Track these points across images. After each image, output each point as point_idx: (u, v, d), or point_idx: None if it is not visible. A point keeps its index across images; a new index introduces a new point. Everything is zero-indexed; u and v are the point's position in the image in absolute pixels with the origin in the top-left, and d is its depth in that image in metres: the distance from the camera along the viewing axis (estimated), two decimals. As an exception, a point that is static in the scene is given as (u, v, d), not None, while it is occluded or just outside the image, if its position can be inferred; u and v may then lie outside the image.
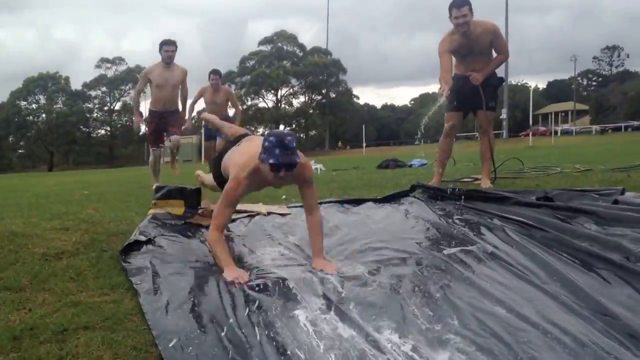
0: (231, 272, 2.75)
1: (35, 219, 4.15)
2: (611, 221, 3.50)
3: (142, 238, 3.41)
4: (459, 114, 5.72)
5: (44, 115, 66.74)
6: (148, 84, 7.38)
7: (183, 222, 3.99)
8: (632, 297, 2.42)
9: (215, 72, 8.97)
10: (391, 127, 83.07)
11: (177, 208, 4.13)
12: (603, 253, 2.86)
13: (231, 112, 9.54)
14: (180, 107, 7.71)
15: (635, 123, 54.57)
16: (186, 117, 7.93)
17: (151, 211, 4.08)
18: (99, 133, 72.28)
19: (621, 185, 4.70)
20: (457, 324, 2.17)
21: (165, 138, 7.53)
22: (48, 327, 2.26)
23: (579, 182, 5.36)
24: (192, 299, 2.50)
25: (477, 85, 5.42)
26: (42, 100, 67.04)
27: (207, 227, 3.83)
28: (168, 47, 7.18)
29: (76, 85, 69.75)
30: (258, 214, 4.27)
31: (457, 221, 3.82)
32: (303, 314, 2.31)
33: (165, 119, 7.43)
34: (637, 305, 2.33)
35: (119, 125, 72.07)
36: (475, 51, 5.48)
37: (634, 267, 2.65)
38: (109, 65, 70.74)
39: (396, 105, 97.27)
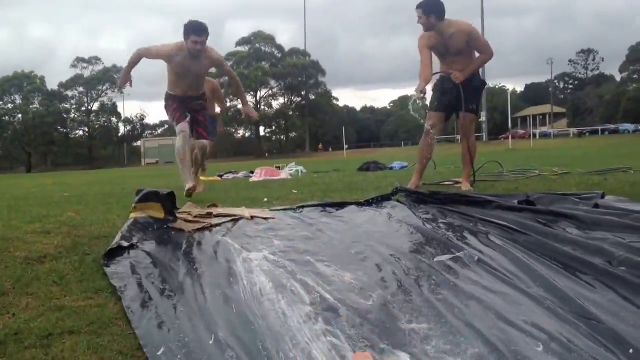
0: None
1: (16, 222, 4.10)
2: (592, 225, 3.54)
3: (125, 243, 3.38)
4: (441, 114, 5.77)
5: (20, 115, 66.03)
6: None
7: (166, 226, 3.97)
8: (615, 301, 2.45)
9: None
10: (371, 129, 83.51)
11: (157, 212, 4.11)
12: (585, 257, 2.88)
13: (217, 109, 9.19)
14: (205, 91, 6.30)
15: (612, 126, 55.47)
16: (249, 109, 6.41)
17: (132, 215, 4.05)
18: (77, 134, 71.75)
19: (598, 188, 4.77)
20: (443, 329, 2.18)
21: (191, 136, 6.01)
22: (33, 332, 2.23)
23: (557, 185, 5.43)
24: (178, 306, 2.48)
25: (459, 86, 5.47)
26: (18, 100, 66.33)
27: (190, 232, 3.84)
28: (196, 37, 5.42)
29: (52, 85, 69.36)
30: (242, 218, 4.26)
31: (441, 225, 3.84)
32: (292, 324, 2.30)
33: (192, 104, 6.02)
34: (620, 309, 2.35)
35: (97, 126, 71.51)
36: (451, 51, 5.55)
37: (616, 272, 2.68)
38: (85, 65, 70.36)
39: (376, 107, 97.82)
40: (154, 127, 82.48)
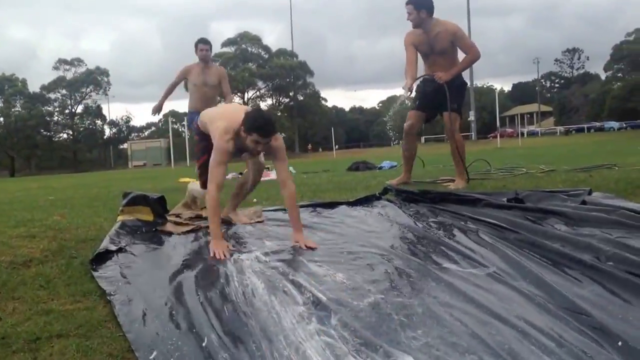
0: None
1: (0, 227, 4.06)
2: (580, 222, 3.58)
3: (113, 247, 3.36)
4: (420, 114, 5.82)
5: (1, 119, 65.28)
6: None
7: (154, 229, 3.94)
8: (603, 295, 2.47)
9: (204, 42, 7.29)
10: (360, 129, 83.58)
11: (146, 215, 4.07)
12: (574, 253, 2.91)
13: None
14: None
15: (597, 124, 56.03)
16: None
17: (120, 218, 4.02)
18: (61, 137, 70.94)
19: (584, 185, 4.81)
20: (437, 327, 2.17)
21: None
22: (20, 336, 2.20)
23: (544, 182, 5.45)
24: (169, 309, 2.46)
25: (441, 87, 5.49)
26: (0, 104, 65.58)
27: (179, 235, 3.81)
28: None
29: (34, 87, 68.38)
30: (231, 221, 4.23)
31: (431, 224, 3.85)
32: (285, 324, 2.28)
33: None
34: (608, 303, 2.37)
35: (81, 129, 70.86)
36: (435, 50, 5.58)
37: (604, 267, 2.71)
38: (67, 66, 69.48)
39: (364, 107, 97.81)
40: (141, 130, 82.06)
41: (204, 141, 4.10)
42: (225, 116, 3.75)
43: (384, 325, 2.22)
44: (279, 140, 3.68)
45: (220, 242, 3.31)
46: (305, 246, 3.35)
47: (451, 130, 5.70)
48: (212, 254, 3.17)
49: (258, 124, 3.49)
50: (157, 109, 7.59)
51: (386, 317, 2.29)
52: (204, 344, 2.10)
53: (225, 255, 3.10)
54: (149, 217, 4.05)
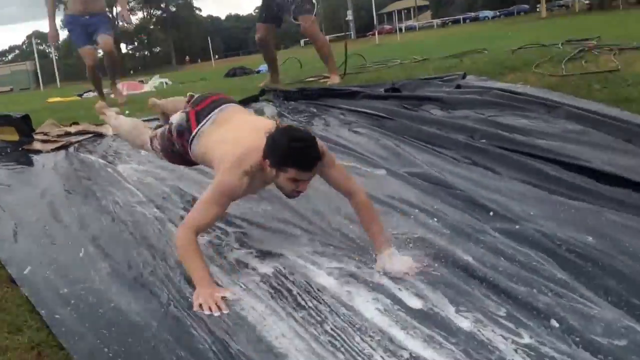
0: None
1: None
2: (455, 105, 3.68)
3: (-24, 170, 3.13)
4: (268, 26, 5.70)
5: None
6: None
7: (21, 149, 3.71)
8: (476, 171, 2.61)
9: None
10: (239, 37, 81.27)
11: (10, 135, 3.82)
12: (449, 135, 3.02)
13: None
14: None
15: (472, 15, 57.73)
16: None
17: (-19, 140, 3.74)
18: None
19: (455, 70, 4.94)
20: (319, 221, 2.23)
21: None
22: None
23: (417, 71, 5.56)
24: (43, 226, 2.36)
25: None
26: None
27: (48, 152, 3.60)
28: None
29: None
30: (104, 134, 4.02)
31: (309, 119, 3.84)
32: (170, 229, 2.24)
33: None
34: (482, 177, 2.52)
35: None
36: None
37: (476, 144, 2.85)
38: None
39: (241, 14, 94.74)
40: (3, 54, 75.91)
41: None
42: (238, 141, 2.11)
43: (271, 224, 2.26)
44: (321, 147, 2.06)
45: (206, 290, 1.84)
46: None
47: (310, 31, 5.64)
48: (196, 308, 1.78)
49: (294, 153, 1.95)
50: (54, 37, 6.42)
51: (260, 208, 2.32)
52: (81, 255, 2.04)
53: (219, 308, 1.76)
54: (14, 137, 3.81)
